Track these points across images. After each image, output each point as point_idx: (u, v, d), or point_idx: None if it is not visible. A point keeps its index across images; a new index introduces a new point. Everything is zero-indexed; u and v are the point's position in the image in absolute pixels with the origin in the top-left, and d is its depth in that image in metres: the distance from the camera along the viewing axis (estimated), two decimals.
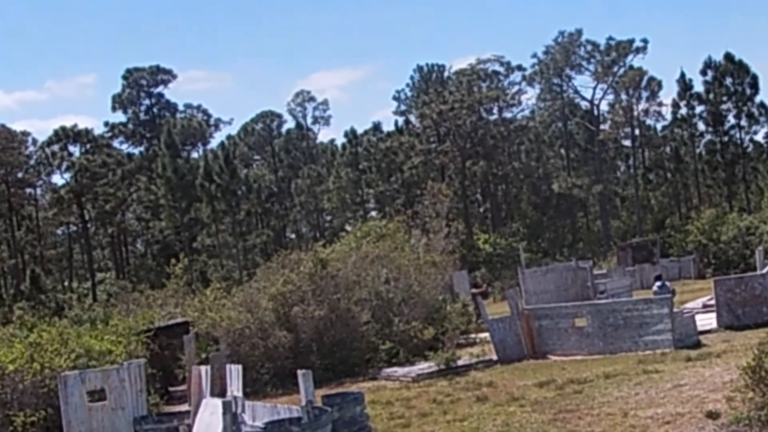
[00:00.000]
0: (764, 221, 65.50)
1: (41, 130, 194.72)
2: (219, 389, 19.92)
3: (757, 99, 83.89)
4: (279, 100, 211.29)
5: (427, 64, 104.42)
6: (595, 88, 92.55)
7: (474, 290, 43.83)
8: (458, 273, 42.37)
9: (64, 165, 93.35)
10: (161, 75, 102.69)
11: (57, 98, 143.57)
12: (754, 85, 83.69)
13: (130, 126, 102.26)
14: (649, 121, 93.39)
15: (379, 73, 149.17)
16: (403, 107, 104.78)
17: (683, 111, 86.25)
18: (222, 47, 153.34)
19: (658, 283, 32.43)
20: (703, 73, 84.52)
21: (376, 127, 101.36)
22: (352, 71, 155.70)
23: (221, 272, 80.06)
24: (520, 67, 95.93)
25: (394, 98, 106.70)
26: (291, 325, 29.33)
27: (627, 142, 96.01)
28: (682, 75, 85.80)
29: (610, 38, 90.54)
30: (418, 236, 42.90)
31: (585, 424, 17.20)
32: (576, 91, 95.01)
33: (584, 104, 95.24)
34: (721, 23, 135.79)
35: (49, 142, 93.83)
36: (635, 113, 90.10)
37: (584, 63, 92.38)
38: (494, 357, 28.15)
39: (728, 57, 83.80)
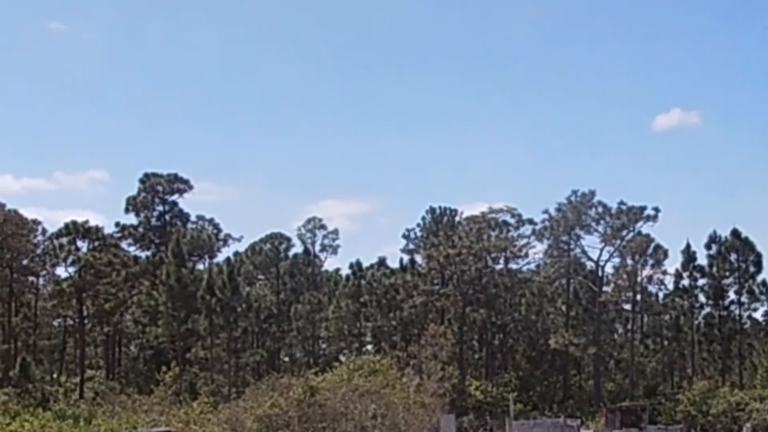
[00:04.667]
0: (755, 398, 65.68)
1: (48, 219, 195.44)
2: None
3: (759, 277, 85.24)
4: (287, 221, 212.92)
5: (439, 207, 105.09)
6: (602, 250, 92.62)
7: None
8: (446, 416, 42.49)
9: (70, 259, 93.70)
10: (178, 183, 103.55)
11: (66, 189, 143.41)
12: (758, 263, 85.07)
13: (141, 229, 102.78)
14: (652, 288, 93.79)
15: (386, 208, 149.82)
16: (411, 246, 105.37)
17: (685, 282, 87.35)
18: (233, 162, 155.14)
19: None
20: (708, 246, 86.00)
21: (382, 262, 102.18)
22: (362, 203, 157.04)
23: (210, 386, 79.83)
24: (530, 221, 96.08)
25: (404, 236, 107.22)
26: None
27: (628, 306, 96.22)
28: (688, 247, 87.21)
29: (622, 203, 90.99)
30: (411, 375, 43.14)
31: None
32: (583, 251, 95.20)
33: (590, 264, 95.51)
34: (729, 199, 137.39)
35: (58, 234, 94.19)
36: (639, 279, 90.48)
37: (594, 224, 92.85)
38: None
39: (735, 233, 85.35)
